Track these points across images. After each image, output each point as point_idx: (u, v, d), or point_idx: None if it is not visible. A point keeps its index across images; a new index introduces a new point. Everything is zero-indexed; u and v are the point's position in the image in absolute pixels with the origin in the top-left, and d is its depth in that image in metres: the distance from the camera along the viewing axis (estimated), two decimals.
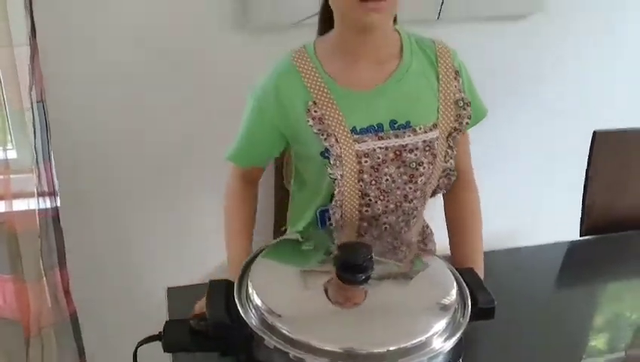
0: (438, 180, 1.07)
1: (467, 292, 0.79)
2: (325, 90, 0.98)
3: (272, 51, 1.63)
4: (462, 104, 1.02)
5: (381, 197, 1.01)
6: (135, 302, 1.71)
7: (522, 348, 0.97)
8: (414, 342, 0.69)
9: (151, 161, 1.67)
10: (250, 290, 0.76)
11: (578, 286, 1.17)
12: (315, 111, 0.97)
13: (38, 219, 1.51)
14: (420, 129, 0.99)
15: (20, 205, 1.51)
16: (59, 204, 1.53)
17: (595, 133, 1.41)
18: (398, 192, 1.02)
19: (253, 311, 0.73)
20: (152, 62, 1.56)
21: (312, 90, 0.98)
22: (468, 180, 1.11)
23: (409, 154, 0.99)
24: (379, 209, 1.02)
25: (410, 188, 1.02)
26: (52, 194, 1.51)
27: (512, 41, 1.81)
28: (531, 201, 1.95)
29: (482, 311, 0.79)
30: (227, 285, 0.79)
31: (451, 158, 1.05)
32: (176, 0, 1.52)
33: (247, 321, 0.72)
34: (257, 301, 0.74)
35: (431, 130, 1.00)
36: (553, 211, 1.73)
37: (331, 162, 0.97)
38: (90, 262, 1.68)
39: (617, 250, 1.28)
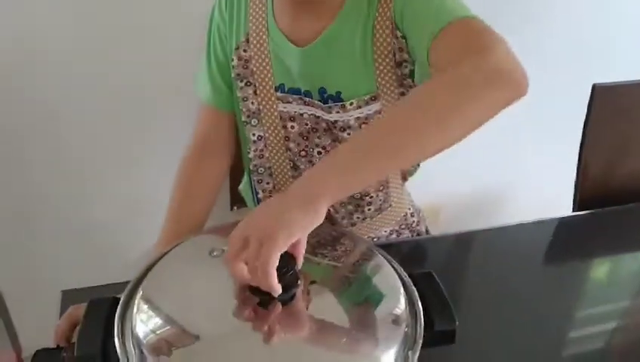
0: None
1: (420, 310, 0.62)
2: (263, 31, 0.81)
3: None
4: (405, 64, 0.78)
5: None
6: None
7: (507, 342, 0.81)
8: None
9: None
10: (135, 320, 0.58)
11: (567, 271, 0.99)
12: (245, 51, 0.82)
13: None
14: (352, 105, 0.79)
15: None
16: None
17: (594, 86, 1.16)
18: None
19: (136, 346, 0.56)
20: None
21: (251, 25, 0.81)
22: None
23: (341, 133, 0.82)
24: None
25: None
26: None
27: None
28: (518, 165, 1.77)
29: (440, 335, 0.62)
30: (111, 304, 0.61)
31: None
32: None
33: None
34: (141, 334, 0.56)
35: (367, 103, 0.80)
36: (541, 180, 1.55)
37: (244, 119, 0.84)
38: None
39: (614, 226, 1.10)
